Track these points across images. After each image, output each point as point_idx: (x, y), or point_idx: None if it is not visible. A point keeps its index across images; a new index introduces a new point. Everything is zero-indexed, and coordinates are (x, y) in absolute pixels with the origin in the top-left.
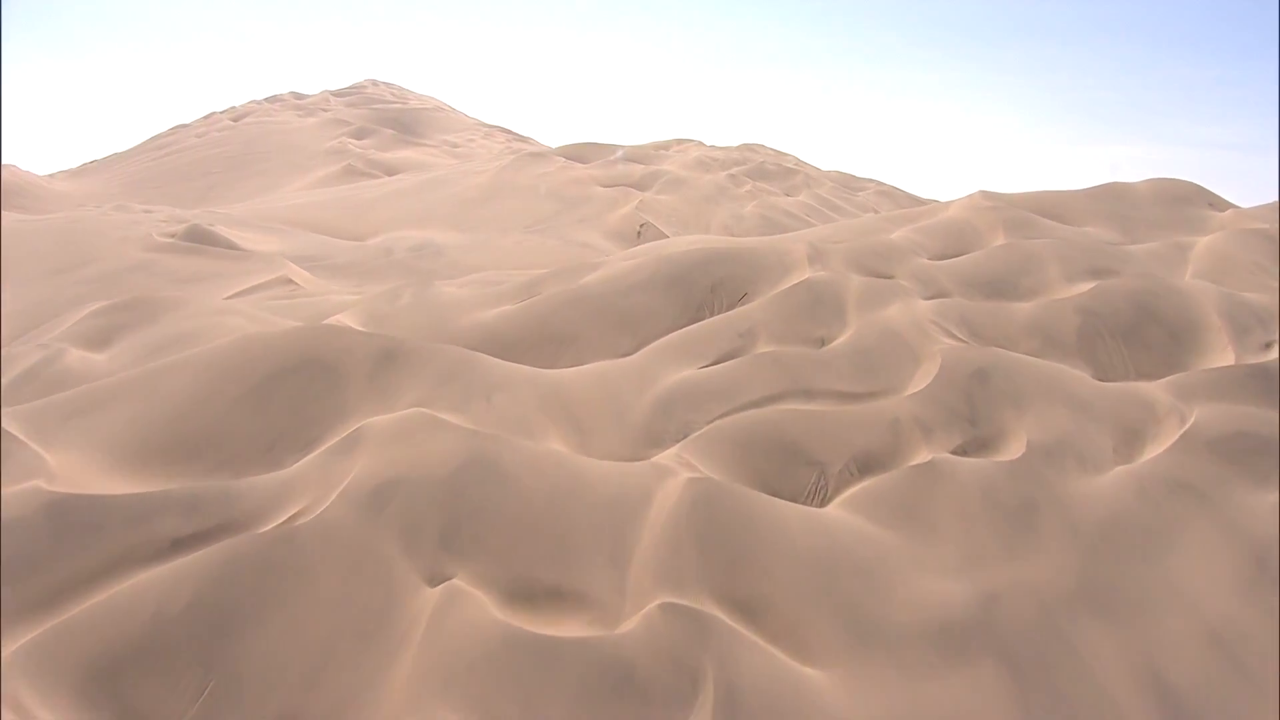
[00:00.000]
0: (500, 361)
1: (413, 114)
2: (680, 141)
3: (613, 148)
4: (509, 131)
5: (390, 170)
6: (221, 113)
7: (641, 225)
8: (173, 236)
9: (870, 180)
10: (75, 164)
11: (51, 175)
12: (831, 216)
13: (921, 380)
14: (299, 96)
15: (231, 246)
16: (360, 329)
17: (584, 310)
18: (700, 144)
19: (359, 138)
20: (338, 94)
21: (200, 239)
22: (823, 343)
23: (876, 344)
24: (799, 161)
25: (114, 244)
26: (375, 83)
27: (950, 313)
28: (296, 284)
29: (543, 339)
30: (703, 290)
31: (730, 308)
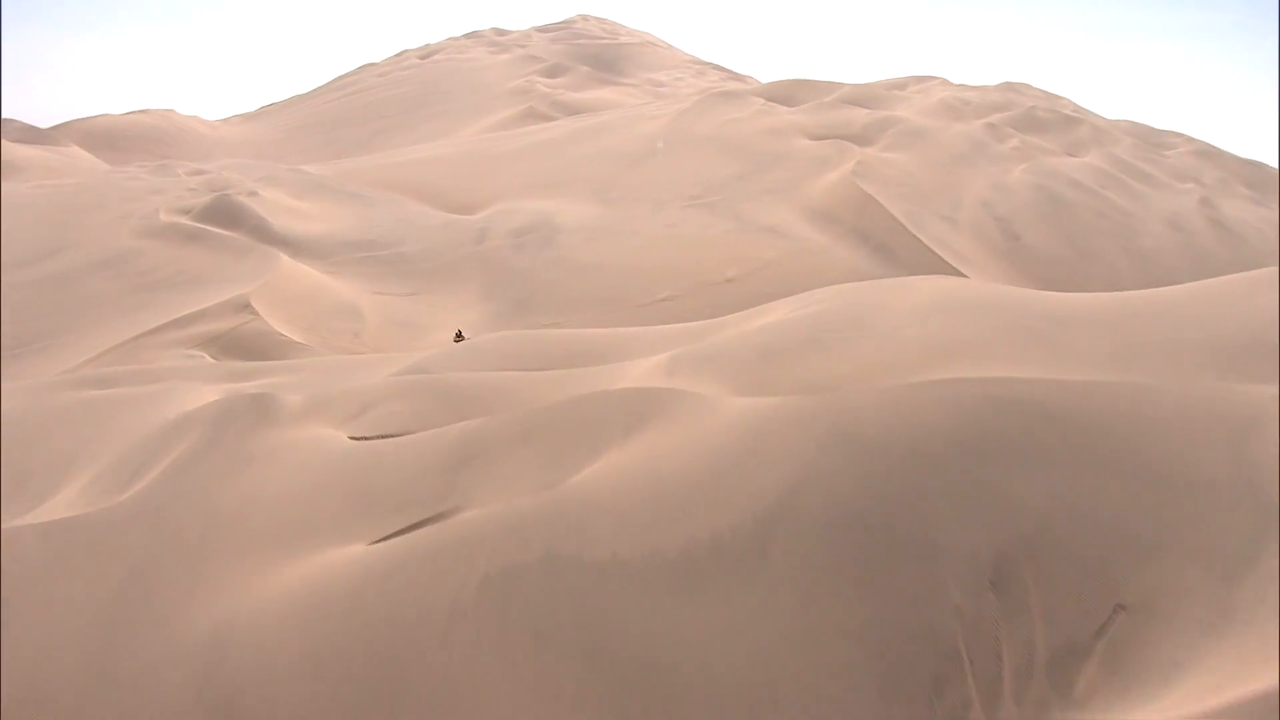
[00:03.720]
0: None
1: (618, 50)
2: (921, 79)
3: (833, 85)
4: (724, 69)
5: (575, 112)
6: (413, 50)
7: (855, 196)
8: (186, 214)
9: (1174, 134)
10: (254, 107)
11: (226, 119)
12: (1140, 190)
13: None
14: (501, 33)
15: (259, 227)
16: None
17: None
18: (946, 82)
19: (551, 76)
20: (543, 29)
21: (218, 218)
22: None
23: None
24: (1078, 108)
25: (109, 224)
26: (586, 17)
27: None
28: (257, 314)
29: None
30: (966, 576)
31: None
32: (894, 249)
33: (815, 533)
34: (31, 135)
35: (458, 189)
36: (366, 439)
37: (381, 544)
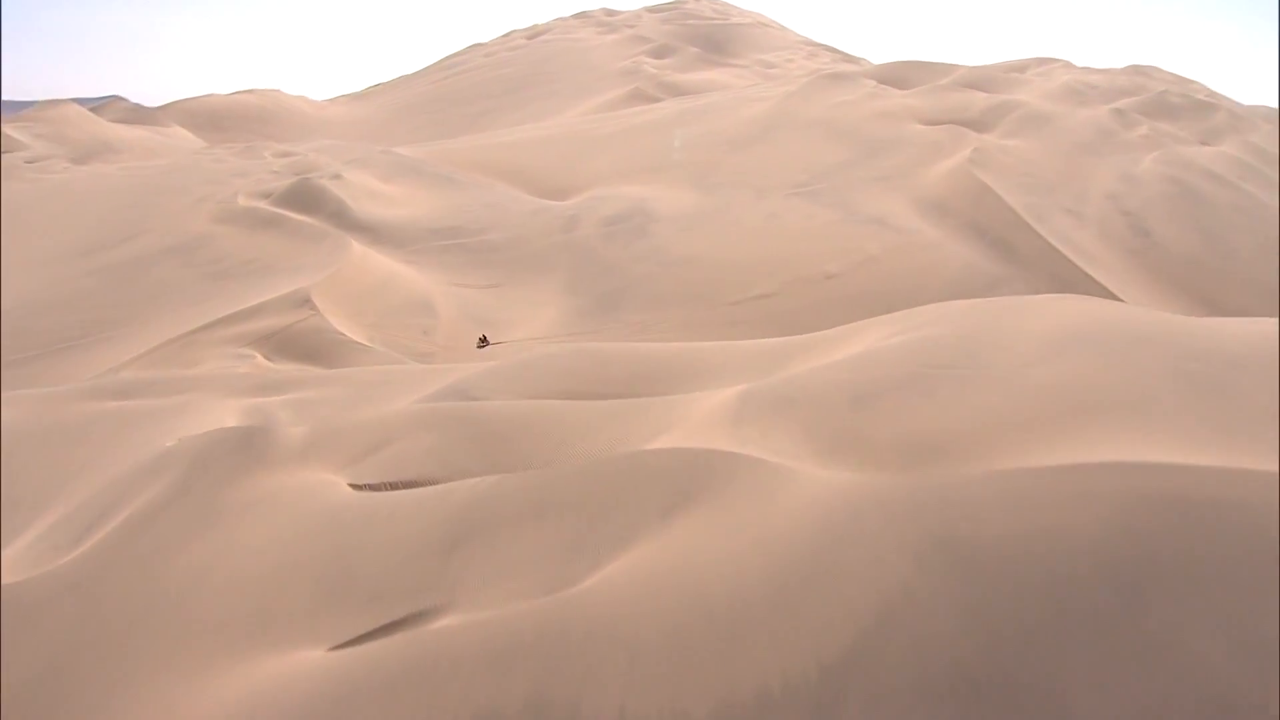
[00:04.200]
0: None
1: (728, 30)
2: (1042, 61)
3: (949, 67)
4: (836, 51)
5: (682, 93)
6: (521, 30)
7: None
8: (266, 198)
9: None
10: (362, 87)
11: (333, 100)
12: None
13: None
14: (610, 13)
15: (338, 212)
16: None
17: None
18: (1069, 65)
19: (658, 57)
20: (653, 9)
21: (297, 203)
22: None
23: None
24: (1211, 93)
25: (187, 208)
26: None
27: None
28: (316, 310)
29: None
30: None
31: None
32: (1012, 244)
33: (904, 693)
34: (135, 115)
35: (554, 172)
36: (370, 488)
37: (342, 651)
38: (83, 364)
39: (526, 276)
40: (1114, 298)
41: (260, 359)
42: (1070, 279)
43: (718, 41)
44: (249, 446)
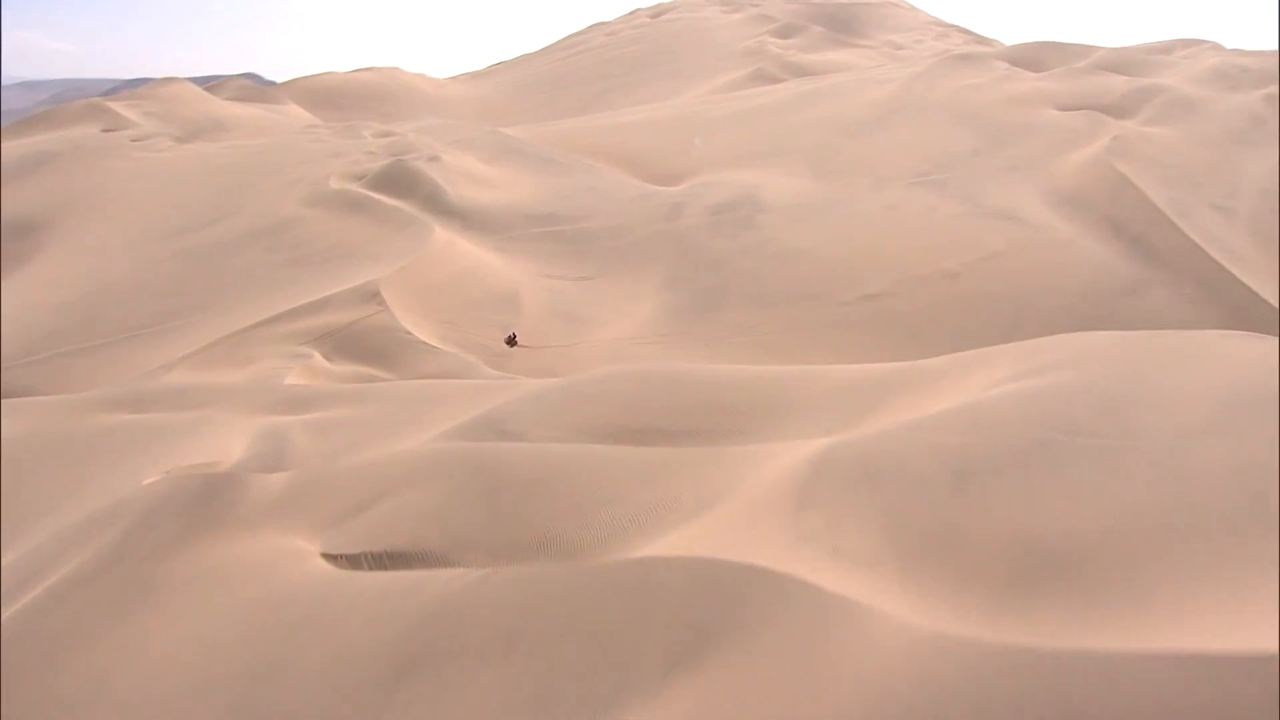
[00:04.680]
0: None
1: (856, 10)
2: (1188, 43)
3: (1087, 49)
4: (968, 32)
5: (806, 74)
6: (645, 9)
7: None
8: (359, 180)
9: None
10: (483, 65)
11: (453, 78)
12: None
13: None
14: None
15: (432, 196)
16: None
17: None
18: (1219, 47)
19: (783, 36)
20: None
21: (389, 186)
22: None
23: None
24: None
25: (278, 189)
26: None
27: None
28: (385, 305)
29: None
30: None
31: None
32: (1153, 244)
33: None
34: (252, 93)
35: (665, 155)
36: (346, 560)
37: None
38: (145, 356)
39: (623, 268)
40: (1265, 303)
41: (319, 358)
42: (1217, 282)
43: (844, 21)
44: (207, 502)
